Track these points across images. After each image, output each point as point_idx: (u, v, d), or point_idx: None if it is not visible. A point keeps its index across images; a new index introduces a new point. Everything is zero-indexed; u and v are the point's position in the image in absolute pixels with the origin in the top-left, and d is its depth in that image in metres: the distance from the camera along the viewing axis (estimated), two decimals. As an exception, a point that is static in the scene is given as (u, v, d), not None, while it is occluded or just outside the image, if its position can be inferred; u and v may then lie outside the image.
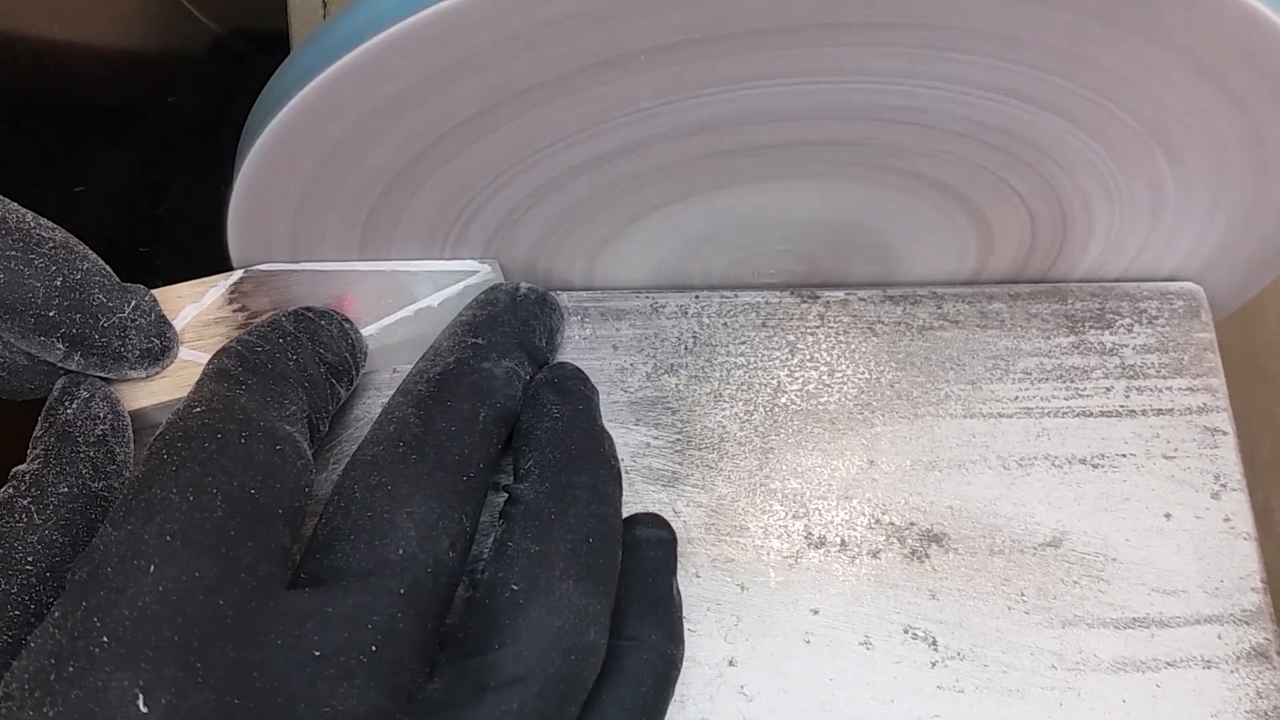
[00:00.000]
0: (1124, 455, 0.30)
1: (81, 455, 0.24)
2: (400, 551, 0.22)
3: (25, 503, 0.23)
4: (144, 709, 0.18)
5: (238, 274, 0.29)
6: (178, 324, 0.28)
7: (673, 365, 0.31)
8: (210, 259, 0.29)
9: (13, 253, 0.24)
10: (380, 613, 0.21)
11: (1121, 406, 0.31)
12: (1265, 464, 0.40)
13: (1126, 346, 0.32)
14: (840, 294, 0.32)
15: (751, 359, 0.31)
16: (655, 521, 0.27)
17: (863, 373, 0.31)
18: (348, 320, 0.28)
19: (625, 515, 0.27)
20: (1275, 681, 0.28)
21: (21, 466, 0.24)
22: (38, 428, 0.25)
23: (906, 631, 0.28)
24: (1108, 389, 0.31)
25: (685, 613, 0.26)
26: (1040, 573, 0.29)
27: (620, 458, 0.28)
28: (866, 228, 0.31)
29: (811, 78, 0.25)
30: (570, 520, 0.24)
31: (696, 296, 0.32)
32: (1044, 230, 0.31)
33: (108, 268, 0.26)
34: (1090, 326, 0.32)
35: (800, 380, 0.31)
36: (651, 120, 0.26)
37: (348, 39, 0.22)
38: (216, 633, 0.20)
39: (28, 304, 0.24)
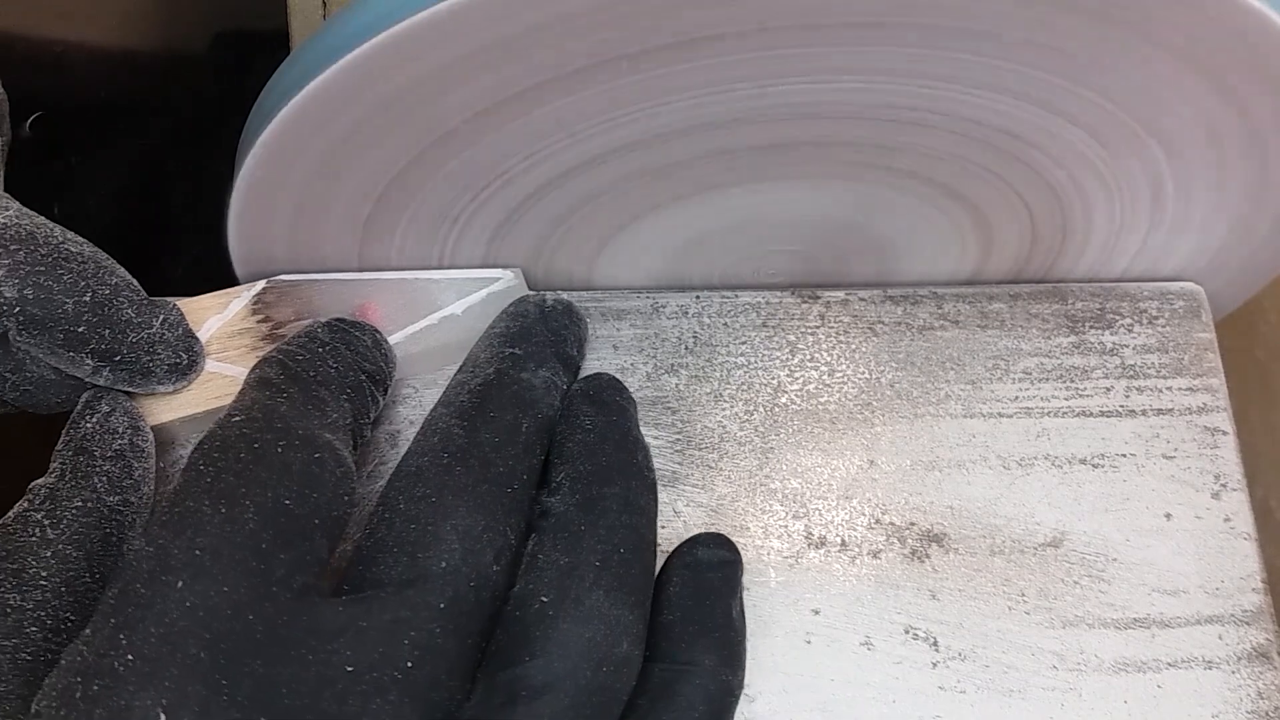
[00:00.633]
0: (1124, 455, 0.30)
1: (98, 469, 0.24)
2: (443, 564, 0.22)
3: (39, 517, 0.23)
4: None
5: (260, 284, 0.29)
6: (202, 335, 0.28)
7: (673, 365, 0.31)
8: (210, 259, 0.29)
9: (41, 268, 0.24)
10: (419, 627, 0.21)
11: (1122, 406, 0.31)
12: (1265, 464, 0.40)
13: (1127, 346, 0.32)
14: (840, 294, 0.32)
15: (752, 359, 0.31)
16: (718, 541, 0.26)
17: (863, 373, 0.31)
18: (378, 330, 0.27)
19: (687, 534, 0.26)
20: (1276, 682, 0.28)
21: (39, 480, 0.24)
22: (59, 442, 0.25)
23: (907, 632, 0.28)
24: (1108, 389, 0.31)
25: None
26: (1041, 573, 0.29)
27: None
28: (866, 227, 0.31)
29: (812, 78, 0.25)
30: (600, 531, 0.23)
31: (697, 296, 0.32)
32: (1044, 230, 0.31)
33: (135, 282, 0.26)
34: (1090, 326, 0.32)
35: (800, 380, 0.31)
36: (651, 120, 0.26)
37: (348, 39, 0.22)
38: (245, 648, 0.19)
39: (57, 320, 0.24)
